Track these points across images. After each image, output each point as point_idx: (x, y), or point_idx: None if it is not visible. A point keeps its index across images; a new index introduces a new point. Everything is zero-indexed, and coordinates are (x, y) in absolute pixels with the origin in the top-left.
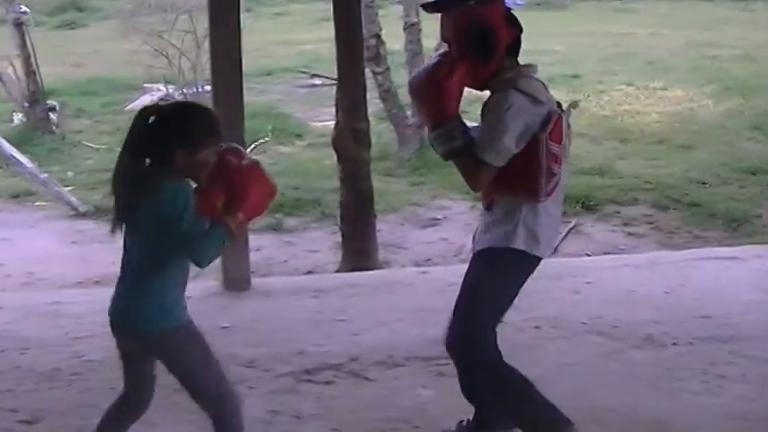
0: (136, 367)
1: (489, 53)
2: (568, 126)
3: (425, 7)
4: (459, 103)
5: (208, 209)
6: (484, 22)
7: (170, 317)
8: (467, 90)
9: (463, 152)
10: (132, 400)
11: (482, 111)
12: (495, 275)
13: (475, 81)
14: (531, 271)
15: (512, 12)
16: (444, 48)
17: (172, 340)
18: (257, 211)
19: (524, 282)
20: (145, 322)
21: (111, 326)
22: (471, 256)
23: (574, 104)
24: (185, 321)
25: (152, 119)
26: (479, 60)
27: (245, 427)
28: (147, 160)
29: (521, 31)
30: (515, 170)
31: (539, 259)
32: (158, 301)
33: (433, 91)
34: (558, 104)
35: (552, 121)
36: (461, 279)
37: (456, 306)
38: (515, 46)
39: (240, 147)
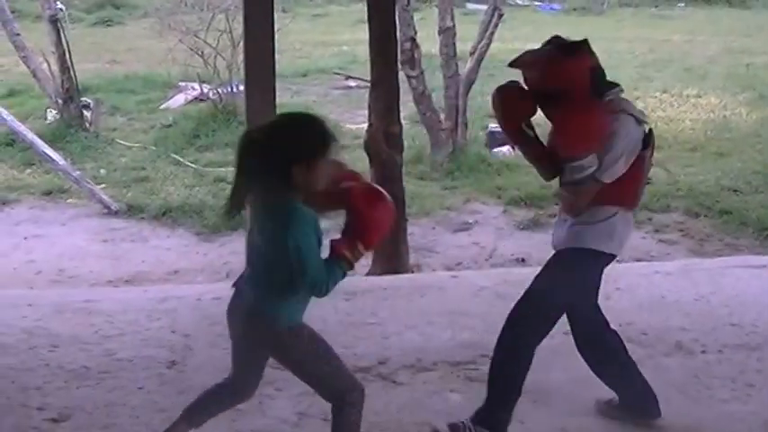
0: (250, 356)
1: (602, 92)
2: None
3: (515, 65)
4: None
5: (336, 246)
6: (597, 67)
7: (288, 318)
8: None
9: (590, 179)
10: (238, 386)
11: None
12: (575, 275)
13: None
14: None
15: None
16: None
17: (289, 339)
18: (379, 240)
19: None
20: (268, 319)
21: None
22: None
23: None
24: (301, 323)
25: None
26: (594, 99)
27: (275, 428)
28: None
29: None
30: (618, 183)
31: (614, 257)
32: (280, 303)
33: (583, 133)
34: None
35: (652, 138)
36: (493, 283)
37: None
38: (599, 83)
39: (348, 166)
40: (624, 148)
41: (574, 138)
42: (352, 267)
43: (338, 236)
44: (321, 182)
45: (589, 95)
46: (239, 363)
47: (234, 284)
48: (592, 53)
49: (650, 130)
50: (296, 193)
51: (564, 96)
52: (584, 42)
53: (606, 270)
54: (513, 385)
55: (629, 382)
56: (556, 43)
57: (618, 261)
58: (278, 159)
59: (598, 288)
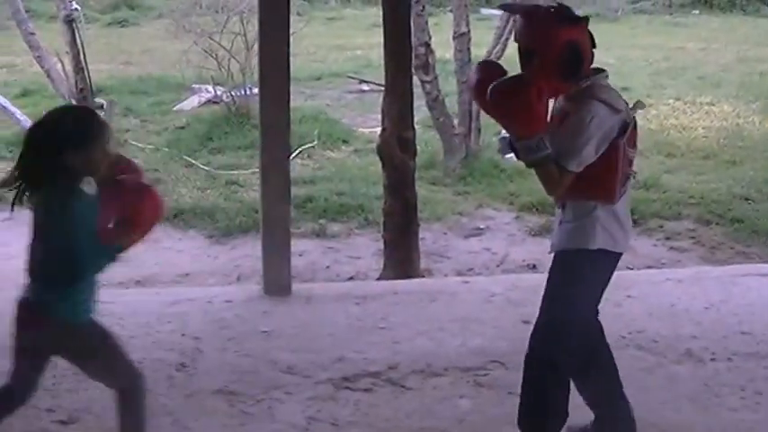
0: (36, 361)
1: (576, 76)
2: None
3: (506, 8)
4: (546, 121)
5: (104, 234)
6: (578, 46)
7: (79, 313)
8: None
9: (549, 160)
10: (20, 393)
11: (558, 116)
12: (574, 278)
13: (552, 93)
14: (613, 268)
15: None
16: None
17: (81, 333)
18: (148, 231)
19: (609, 279)
20: (61, 314)
21: (24, 315)
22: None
23: (640, 105)
24: (84, 318)
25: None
26: (563, 79)
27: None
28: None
29: (594, 46)
30: (593, 175)
31: (618, 255)
32: (60, 295)
33: (527, 112)
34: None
35: (630, 128)
36: (504, 289)
37: (540, 311)
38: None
39: (131, 160)
40: (591, 135)
41: (515, 111)
42: (118, 255)
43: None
44: (96, 169)
45: (557, 70)
46: (20, 362)
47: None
48: (585, 31)
49: (634, 120)
50: (74, 179)
51: (530, 60)
52: (583, 19)
53: (616, 277)
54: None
55: (611, 404)
56: (557, 8)
57: (629, 268)
58: (54, 145)
59: (602, 290)
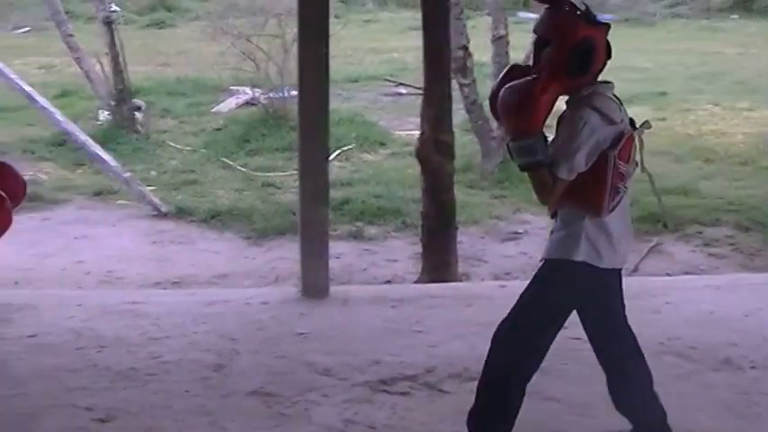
0: None
1: (582, 75)
2: (641, 144)
3: None
4: (546, 119)
5: None
6: (592, 45)
7: None
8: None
9: (541, 166)
10: None
11: (557, 125)
12: (548, 287)
13: (556, 90)
14: (601, 285)
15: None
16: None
17: None
18: None
19: (597, 294)
20: None
21: None
22: None
23: (646, 125)
24: None
25: None
26: (570, 76)
27: None
28: None
29: (610, 56)
30: (582, 185)
31: (604, 272)
32: None
33: (526, 104)
34: (632, 123)
35: (623, 141)
36: None
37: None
38: (601, 72)
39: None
40: (582, 143)
41: (513, 105)
42: None
43: None
44: None
45: (566, 63)
46: None
47: None
48: (604, 36)
49: (630, 134)
50: None
51: (544, 50)
52: (605, 24)
53: (654, 283)
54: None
55: (645, 411)
56: (584, 8)
57: (667, 274)
58: None
59: (606, 306)
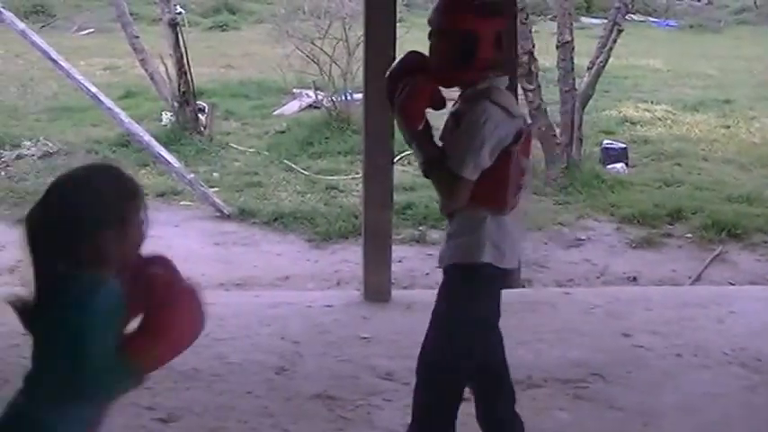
0: None
1: (467, 68)
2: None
3: None
4: (422, 117)
5: (126, 343)
6: (475, 37)
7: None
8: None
9: (439, 165)
10: None
11: (451, 121)
12: (463, 293)
13: (444, 83)
14: (501, 285)
15: (511, 30)
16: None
17: None
18: (178, 351)
19: (498, 296)
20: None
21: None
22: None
23: (537, 121)
24: None
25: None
26: (453, 67)
27: None
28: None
29: (516, 50)
30: (484, 182)
31: (503, 272)
32: (53, 408)
33: (403, 108)
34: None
35: (524, 135)
36: (604, 302)
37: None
38: (504, 65)
39: (168, 258)
40: (485, 139)
41: (402, 103)
42: (139, 375)
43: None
44: (128, 254)
45: (451, 55)
46: None
47: None
48: (497, 26)
49: (528, 129)
50: (95, 266)
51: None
52: (503, 16)
53: (720, 292)
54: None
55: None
56: None
57: (731, 283)
58: (79, 227)
59: (495, 305)
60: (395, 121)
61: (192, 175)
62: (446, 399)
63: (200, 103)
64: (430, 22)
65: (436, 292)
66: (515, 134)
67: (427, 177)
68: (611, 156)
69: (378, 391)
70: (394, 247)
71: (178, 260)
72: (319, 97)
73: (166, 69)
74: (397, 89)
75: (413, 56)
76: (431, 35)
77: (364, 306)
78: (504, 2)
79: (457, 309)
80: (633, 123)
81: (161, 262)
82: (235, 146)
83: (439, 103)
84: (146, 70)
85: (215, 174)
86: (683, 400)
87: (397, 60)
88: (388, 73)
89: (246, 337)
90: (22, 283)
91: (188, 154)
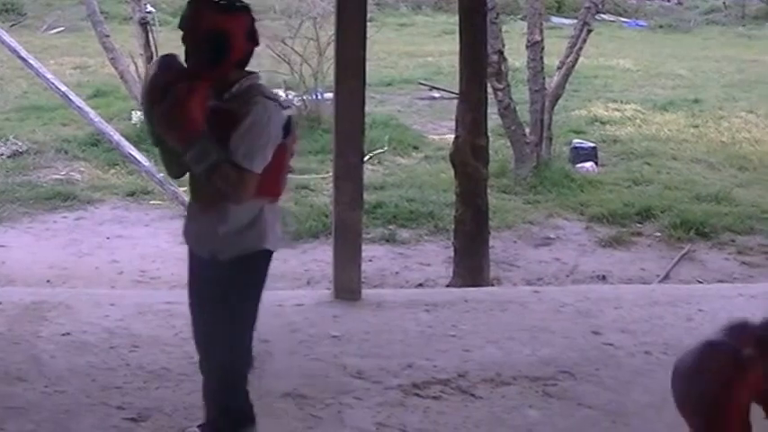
0: None
1: (221, 64)
2: None
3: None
4: (203, 119)
5: None
6: (226, 33)
7: None
8: None
9: (221, 165)
10: None
11: (222, 115)
12: (254, 281)
13: (204, 81)
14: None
15: (254, 26)
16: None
17: None
18: None
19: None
20: None
21: None
22: (200, 259)
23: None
24: None
25: None
26: (210, 64)
27: None
28: None
29: (257, 43)
30: (264, 174)
31: (270, 255)
32: None
33: (180, 114)
34: None
35: (293, 125)
36: (574, 300)
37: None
38: (247, 59)
39: None
40: (270, 134)
41: (166, 123)
42: None
43: None
44: None
45: (205, 54)
46: None
47: None
48: (241, 23)
49: (290, 117)
50: None
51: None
52: (242, 8)
53: (688, 291)
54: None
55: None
56: None
57: (699, 282)
58: None
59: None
60: (168, 128)
61: (162, 175)
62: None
63: None
64: (182, 26)
65: (407, 291)
66: (285, 124)
67: (209, 177)
68: (580, 155)
69: (348, 389)
70: (364, 246)
71: (148, 259)
72: (290, 96)
73: (137, 68)
74: (159, 97)
75: (168, 59)
76: (184, 38)
77: (335, 305)
78: None
79: (246, 297)
80: (603, 123)
81: None
82: None
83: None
84: (116, 69)
85: None
86: (652, 397)
87: (153, 67)
88: (148, 83)
89: None
90: None
91: (158, 153)
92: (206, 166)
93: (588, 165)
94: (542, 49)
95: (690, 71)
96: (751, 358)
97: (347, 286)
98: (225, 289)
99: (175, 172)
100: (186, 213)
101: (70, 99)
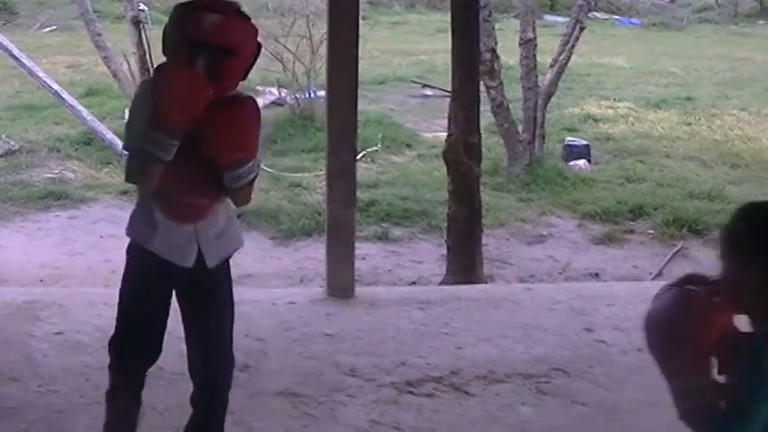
0: None
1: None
2: None
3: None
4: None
5: None
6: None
7: None
8: None
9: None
10: None
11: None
12: (230, 280)
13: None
14: None
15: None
16: None
17: None
18: None
19: None
20: None
21: None
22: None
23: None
24: None
25: None
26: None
27: None
28: None
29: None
30: None
31: None
32: None
33: (247, 136)
34: None
35: None
36: (567, 298)
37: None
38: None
39: None
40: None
41: (244, 132)
42: None
43: None
44: None
45: (247, 71)
46: None
47: None
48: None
49: None
50: None
51: (223, 60)
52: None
53: None
54: None
55: None
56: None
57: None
58: None
59: None
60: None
61: None
62: None
63: None
64: (216, 40)
65: (400, 289)
66: None
67: (244, 187)
68: (573, 153)
69: (342, 387)
70: (357, 244)
71: None
72: (283, 95)
73: (129, 67)
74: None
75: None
76: (221, 53)
77: (328, 303)
78: None
79: (231, 295)
80: (596, 121)
81: None
82: None
83: None
84: (109, 68)
85: None
86: (646, 395)
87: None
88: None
89: None
90: None
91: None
92: (242, 184)
93: (581, 162)
94: (535, 46)
95: (682, 69)
96: (722, 302)
97: (340, 284)
98: (215, 294)
99: (151, 181)
100: (150, 225)
101: (63, 98)
